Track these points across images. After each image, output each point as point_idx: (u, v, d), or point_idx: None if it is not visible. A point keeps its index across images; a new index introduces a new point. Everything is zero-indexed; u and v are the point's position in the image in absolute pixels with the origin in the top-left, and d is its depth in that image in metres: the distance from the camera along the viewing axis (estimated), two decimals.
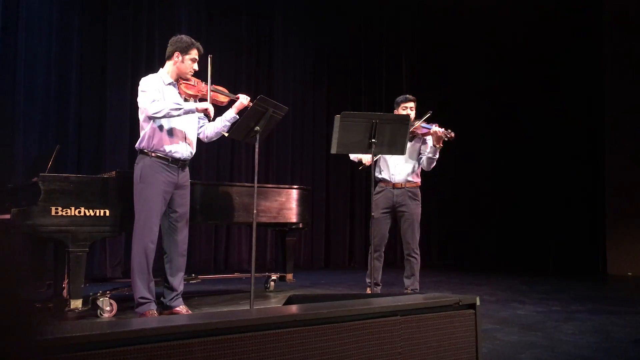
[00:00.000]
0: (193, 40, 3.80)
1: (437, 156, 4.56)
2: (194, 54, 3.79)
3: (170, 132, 3.73)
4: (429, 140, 4.56)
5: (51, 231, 3.57)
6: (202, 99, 3.86)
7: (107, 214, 3.76)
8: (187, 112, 3.68)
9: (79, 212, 3.64)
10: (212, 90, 3.82)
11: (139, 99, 3.71)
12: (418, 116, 4.64)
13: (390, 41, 9.37)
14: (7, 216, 3.53)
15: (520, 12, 8.60)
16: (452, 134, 4.43)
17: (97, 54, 6.54)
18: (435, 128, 4.44)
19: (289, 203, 5.02)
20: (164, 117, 3.62)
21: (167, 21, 7.02)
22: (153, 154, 3.70)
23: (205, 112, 3.72)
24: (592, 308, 4.61)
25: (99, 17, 6.56)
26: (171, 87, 3.78)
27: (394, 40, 9.41)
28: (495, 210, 9.57)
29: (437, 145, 4.47)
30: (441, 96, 8.68)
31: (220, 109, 3.98)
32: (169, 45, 3.81)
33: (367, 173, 8.43)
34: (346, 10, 8.88)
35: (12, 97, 5.84)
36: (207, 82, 3.80)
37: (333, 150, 3.93)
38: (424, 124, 4.50)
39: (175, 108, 3.62)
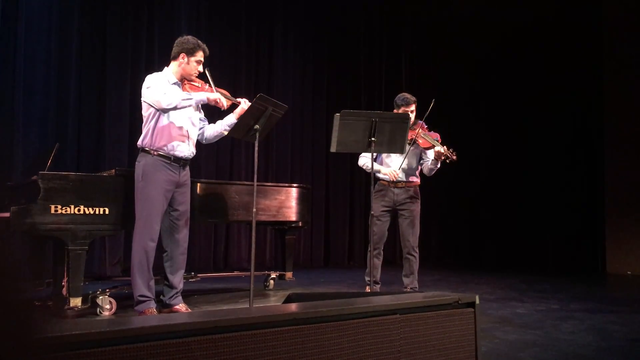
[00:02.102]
0: (199, 42, 3.81)
1: (438, 166, 4.58)
2: (200, 56, 3.79)
3: (173, 130, 3.73)
4: (430, 153, 4.56)
5: (50, 229, 3.57)
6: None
7: (107, 212, 3.75)
8: (197, 102, 3.71)
9: (79, 210, 3.64)
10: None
11: (144, 96, 3.70)
12: (418, 116, 4.64)
13: (389, 40, 9.37)
14: (7, 214, 3.53)
15: (520, 11, 8.58)
16: (455, 157, 4.39)
17: (97, 52, 6.53)
18: (438, 147, 4.40)
19: (288, 201, 5.02)
20: (175, 108, 3.61)
21: (167, 20, 7.02)
22: (155, 153, 3.70)
23: (215, 102, 3.73)
24: (591, 307, 4.61)
25: (99, 15, 6.55)
26: (176, 87, 3.78)
27: (394, 39, 9.40)
28: (495, 209, 9.56)
29: (438, 160, 4.49)
30: (441, 96, 8.66)
31: (221, 113, 3.99)
32: (175, 45, 3.81)
33: (366, 172, 8.43)
34: (346, 10, 8.87)
35: (11, 94, 5.83)
36: (210, 85, 3.81)
37: (333, 149, 3.93)
38: (429, 138, 4.48)
39: (186, 98, 3.63)
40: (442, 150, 4.38)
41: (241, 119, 3.73)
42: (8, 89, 5.83)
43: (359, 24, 9.08)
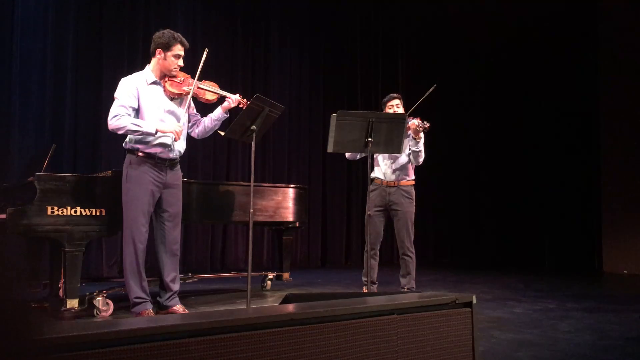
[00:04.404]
0: (176, 34, 3.70)
1: (421, 148, 4.57)
2: (177, 49, 3.69)
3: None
4: (410, 133, 4.57)
5: (47, 231, 3.56)
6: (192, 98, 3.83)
7: (103, 213, 3.75)
8: (145, 134, 3.60)
9: (75, 211, 3.63)
10: (198, 88, 3.77)
11: None
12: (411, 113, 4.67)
13: (386, 40, 9.37)
14: (3, 216, 3.52)
15: (516, 11, 8.60)
16: (427, 125, 4.43)
17: (93, 52, 6.51)
18: (411, 121, 4.44)
19: (285, 202, 5.02)
20: (123, 133, 3.61)
21: (163, 20, 6.99)
22: (140, 153, 3.66)
23: (172, 133, 3.65)
24: (588, 306, 4.62)
25: (95, 15, 6.54)
26: (154, 86, 3.71)
27: (390, 39, 9.40)
28: (491, 209, 9.58)
29: (416, 138, 4.48)
30: (437, 96, 8.67)
31: (210, 107, 3.96)
32: (152, 41, 3.73)
33: (363, 172, 8.45)
34: (343, 10, 8.87)
35: (7, 96, 5.82)
36: (196, 78, 3.72)
37: (330, 149, 3.93)
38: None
39: (133, 130, 3.57)
40: (415, 123, 4.40)
41: (238, 119, 3.73)
42: (4, 89, 5.82)
43: (355, 23, 9.09)
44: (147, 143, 3.65)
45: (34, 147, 5.84)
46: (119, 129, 3.56)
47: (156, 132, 3.60)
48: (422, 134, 4.52)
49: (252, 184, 3.73)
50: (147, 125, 3.59)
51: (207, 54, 3.71)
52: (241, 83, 7.65)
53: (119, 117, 3.56)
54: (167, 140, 3.68)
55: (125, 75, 6.33)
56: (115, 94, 3.64)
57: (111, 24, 6.62)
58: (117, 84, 6.48)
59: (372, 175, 4.72)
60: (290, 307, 1.95)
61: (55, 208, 3.57)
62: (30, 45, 6.01)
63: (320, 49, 8.67)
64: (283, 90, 8.17)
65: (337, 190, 8.72)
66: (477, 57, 9.59)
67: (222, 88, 3.95)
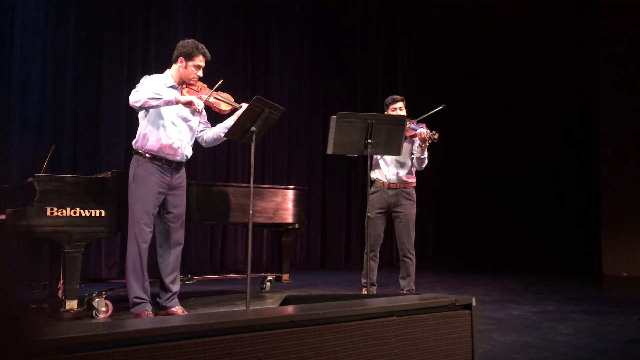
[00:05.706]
0: (199, 45, 3.75)
1: (426, 155, 4.58)
2: (199, 60, 3.74)
3: (166, 132, 3.71)
4: (417, 140, 4.58)
5: (46, 231, 3.56)
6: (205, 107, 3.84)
7: (103, 214, 3.75)
8: (167, 103, 3.55)
9: (75, 212, 3.63)
10: (215, 98, 3.79)
11: None
12: (411, 114, 4.66)
13: (386, 42, 9.38)
14: (3, 217, 3.52)
15: (516, 10, 8.61)
16: (436, 136, 4.44)
17: (93, 54, 6.51)
18: (420, 129, 4.46)
19: (285, 203, 5.01)
20: (142, 106, 3.53)
21: (163, 22, 7.01)
22: (147, 155, 3.69)
23: (188, 105, 3.63)
24: (587, 308, 4.62)
25: (95, 17, 6.54)
26: (172, 90, 3.73)
27: (390, 41, 9.41)
28: (491, 211, 9.58)
29: (423, 145, 4.49)
30: (437, 97, 8.66)
31: (222, 117, 3.97)
32: (175, 48, 3.79)
33: (363, 173, 8.45)
34: (343, 11, 8.88)
35: (7, 97, 5.82)
36: (211, 88, 3.76)
37: (329, 151, 3.93)
38: (412, 125, 4.52)
39: (153, 97, 3.51)
40: (425, 132, 4.41)
41: (237, 120, 3.73)
42: (4, 90, 5.82)
43: (355, 25, 9.09)
44: (157, 143, 3.68)
45: (34, 148, 5.84)
46: (137, 100, 3.51)
47: (176, 102, 3.57)
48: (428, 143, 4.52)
49: (251, 185, 3.73)
50: (166, 94, 3.55)
51: (221, 84, 3.70)
52: (241, 84, 7.65)
53: (137, 91, 3.55)
54: (176, 144, 3.73)
55: (124, 76, 6.35)
56: (137, 85, 3.65)
57: (111, 24, 6.62)
58: (117, 85, 6.52)
59: (373, 176, 4.72)
60: (290, 309, 1.95)
61: (55, 209, 3.57)
62: (30, 46, 6.02)
63: (320, 50, 8.67)
64: (283, 91, 8.16)
65: (337, 191, 8.72)
66: (478, 56, 9.58)
67: (223, 90, 3.96)
